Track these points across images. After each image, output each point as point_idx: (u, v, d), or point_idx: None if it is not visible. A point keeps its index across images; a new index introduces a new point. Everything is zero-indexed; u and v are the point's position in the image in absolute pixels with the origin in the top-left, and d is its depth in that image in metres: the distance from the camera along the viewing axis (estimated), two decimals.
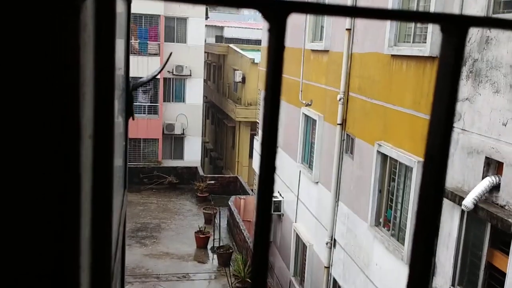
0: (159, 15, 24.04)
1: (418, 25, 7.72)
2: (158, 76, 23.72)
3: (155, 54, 23.98)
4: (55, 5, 0.40)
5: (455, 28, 0.45)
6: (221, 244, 16.21)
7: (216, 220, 17.33)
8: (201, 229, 16.89)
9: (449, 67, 0.45)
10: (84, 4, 0.45)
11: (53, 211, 0.47)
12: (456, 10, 6.47)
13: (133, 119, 1.72)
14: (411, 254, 0.50)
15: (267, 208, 0.45)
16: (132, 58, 23.36)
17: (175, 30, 24.89)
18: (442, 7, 6.83)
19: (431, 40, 6.97)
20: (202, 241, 16.63)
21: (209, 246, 16.67)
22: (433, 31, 6.97)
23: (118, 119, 1.30)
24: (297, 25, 12.73)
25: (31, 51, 0.42)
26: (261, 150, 0.49)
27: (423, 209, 0.50)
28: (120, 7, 1.13)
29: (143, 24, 24.29)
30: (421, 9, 7.63)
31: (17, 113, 0.43)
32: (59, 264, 0.48)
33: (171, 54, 2.93)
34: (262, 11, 0.43)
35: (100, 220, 0.74)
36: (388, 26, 8.19)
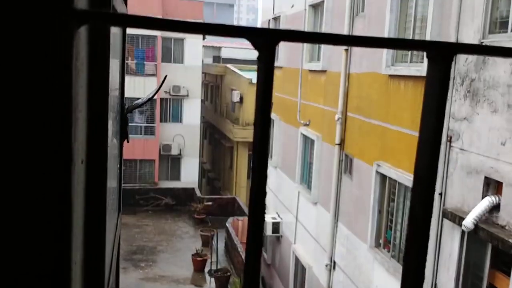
0: (156, 36, 24.29)
1: None
2: (155, 97, 23.82)
3: (152, 75, 24.12)
4: (48, 34, 0.40)
5: (440, 55, 0.45)
6: (218, 267, 16.01)
7: (213, 243, 17.16)
8: (198, 251, 16.70)
9: (435, 94, 0.45)
10: (77, 32, 0.45)
11: (43, 235, 0.46)
12: (452, 30, 6.55)
13: (127, 141, 1.72)
14: (402, 276, 0.50)
15: (259, 228, 0.44)
16: (129, 79, 23.51)
17: (172, 50, 25.12)
18: (439, 27, 6.92)
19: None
20: (199, 264, 16.43)
21: (206, 269, 16.46)
22: None
23: (113, 142, 1.30)
24: (295, 45, 12.86)
25: (24, 78, 0.42)
26: (252, 176, 0.48)
27: (413, 229, 0.49)
28: (114, 29, 1.14)
29: (140, 45, 24.51)
30: (417, 29, 7.73)
31: (8, 138, 0.42)
32: None
33: (165, 77, 2.94)
34: (251, 40, 0.43)
35: (92, 245, 0.73)
36: None
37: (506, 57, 0.51)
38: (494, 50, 0.48)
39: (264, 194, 0.45)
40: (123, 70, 1.70)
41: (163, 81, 2.48)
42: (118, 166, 1.62)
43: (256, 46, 0.45)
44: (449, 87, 0.47)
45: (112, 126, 1.23)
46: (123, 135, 1.65)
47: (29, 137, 0.43)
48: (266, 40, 0.44)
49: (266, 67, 0.45)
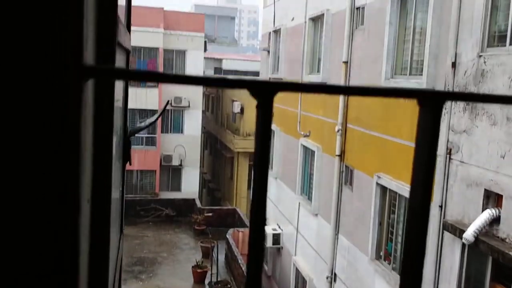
0: (158, 48, 24.43)
1: (414, 57, 7.86)
2: (157, 108, 23.88)
3: (154, 86, 24.22)
4: (59, 89, 0.43)
5: (430, 102, 0.47)
6: (219, 279, 15.93)
7: (213, 254, 17.09)
8: (198, 263, 16.63)
9: (427, 140, 0.47)
10: (86, 85, 0.48)
11: (49, 275, 0.48)
12: (451, 43, 6.60)
13: (130, 164, 1.74)
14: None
15: (260, 238, 0.46)
16: (131, 90, 23.51)
17: (174, 62, 25.25)
18: (437, 40, 6.97)
19: (428, 72, 7.08)
20: (199, 276, 16.34)
21: (206, 281, 16.37)
22: (429, 64, 7.08)
23: (116, 165, 1.32)
24: (295, 57, 12.95)
25: (37, 131, 0.44)
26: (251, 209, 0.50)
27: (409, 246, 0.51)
28: (119, 59, 1.17)
29: (142, 56, 24.66)
30: (416, 42, 7.78)
31: (19, 182, 0.44)
32: None
33: (168, 101, 2.99)
34: (251, 90, 0.46)
35: (95, 274, 0.75)
36: (384, 59, 8.33)
37: (498, 103, 0.53)
38: (485, 97, 0.51)
39: (264, 207, 0.47)
40: (127, 92, 1.73)
41: (165, 106, 2.52)
42: (121, 189, 1.64)
43: (255, 96, 0.47)
44: (439, 133, 0.49)
45: (115, 151, 1.25)
46: (126, 158, 1.67)
47: (40, 182, 0.45)
48: (264, 91, 0.47)
49: (264, 116, 0.47)
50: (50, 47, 0.43)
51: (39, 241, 0.46)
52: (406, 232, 0.51)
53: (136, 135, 26.15)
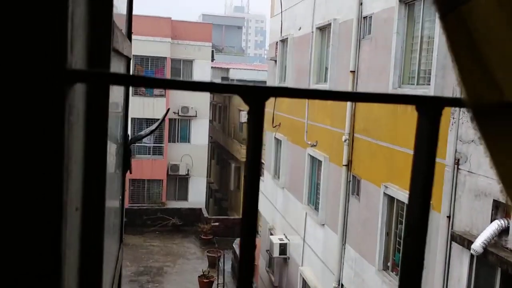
0: (166, 58, 24.59)
1: (422, 67, 7.83)
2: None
3: (161, 96, 24.35)
4: (41, 94, 0.42)
5: (428, 108, 0.46)
6: None
7: (220, 264, 17.02)
8: (204, 273, 16.56)
9: (424, 147, 0.46)
10: (72, 89, 0.47)
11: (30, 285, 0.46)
12: None
13: (130, 172, 1.73)
14: None
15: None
16: (139, 99, 23.75)
17: (181, 71, 25.38)
18: (445, 49, 6.94)
19: (435, 81, 7.04)
20: (205, 285, 16.27)
21: None
22: (436, 74, 7.05)
23: (115, 174, 1.31)
24: (302, 66, 12.96)
25: (17, 136, 0.43)
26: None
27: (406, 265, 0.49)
28: (116, 65, 1.17)
29: (149, 66, 24.82)
30: (424, 51, 7.75)
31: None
32: None
33: (168, 109, 3.00)
34: (243, 96, 0.45)
35: (87, 284, 0.73)
36: (392, 68, 8.31)
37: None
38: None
39: (255, 215, 0.46)
40: (127, 99, 1.72)
41: (165, 114, 2.53)
42: (120, 198, 1.63)
43: (247, 102, 0.46)
44: (438, 139, 0.48)
45: (114, 159, 1.24)
46: (126, 166, 1.66)
47: (20, 191, 0.44)
48: (256, 96, 0.46)
49: (255, 121, 0.46)
50: (31, 50, 0.42)
51: (19, 250, 0.45)
52: (404, 240, 0.49)
53: (143, 144, 26.24)
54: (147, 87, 0.43)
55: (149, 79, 0.43)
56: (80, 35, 0.56)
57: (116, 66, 1.15)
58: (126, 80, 0.41)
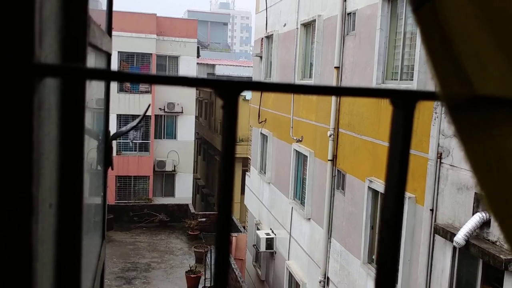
0: (151, 54, 24.40)
1: (405, 62, 7.90)
2: (150, 114, 23.83)
3: (147, 92, 24.17)
4: (6, 89, 0.41)
5: (403, 102, 0.46)
6: (212, 284, 15.86)
7: (207, 259, 17.02)
8: (192, 268, 16.55)
9: (400, 139, 0.46)
10: (41, 83, 0.46)
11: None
12: None
13: (111, 169, 1.72)
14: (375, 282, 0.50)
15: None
16: (124, 96, 23.55)
17: (166, 68, 25.21)
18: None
19: (418, 77, 7.11)
20: (193, 281, 16.27)
21: (200, 286, 16.29)
22: (419, 69, 7.12)
23: (96, 171, 1.29)
24: (287, 62, 12.97)
25: None
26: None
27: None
28: (95, 61, 1.15)
29: (135, 63, 24.60)
30: (407, 47, 7.82)
31: None
32: None
33: (149, 105, 2.98)
34: (216, 90, 0.45)
35: (64, 282, 0.72)
36: (375, 64, 8.36)
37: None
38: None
39: (230, 210, 0.46)
40: (108, 94, 1.71)
41: (146, 109, 2.51)
42: (102, 194, 1.61)
43: (220, 96, 0.46)
44: (412, 131, 0.48)
45: (95, 155, 1.23)
46: (108, 162, 1.64)
47: None
48: (228, 90, 0.45)
49: (229, 114, 0.46)
50: None
51: None
52: (380, 232, 0.50)
53: (129, 141, 26.02)
54: (120, 81, 0.43)
55: (122, 74, 0.43)
56: (50, 29, 0.55)
57: (95, 62, 1.14)
58: (97, 75, 0.41)
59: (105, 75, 0.41)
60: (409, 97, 0.47)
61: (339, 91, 0.48)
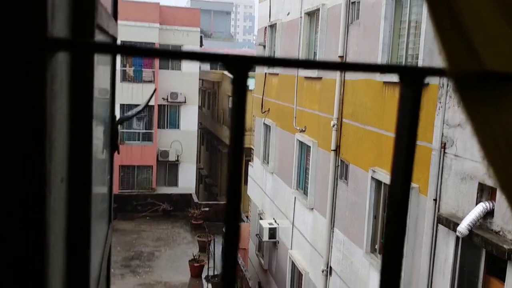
0: (154, 43, 24.33)
1: (409, 51, 7.86)
2: (153, 103, 23.84)
3: (150, 81, 24.16)
4: (21, 62, 0.42)
5: (411, 78, 0.46)
6: (216, 273, 15.98)
7: (210, 248, 17.13)
8: (195, 257, 16.67)
9: (407, 117, 0.46)
10: (53, 58, 0.47)
11: (14, 262, 0.46)
12: None
13: (118, 153, 1.73)
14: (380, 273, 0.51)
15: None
16: (128, 85, 23.53)
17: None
18: (432, 35, 6.95)
19: (423, 66, 7.06)
20: (196, 269, 16.39)
21: (203, 275, 16.42)
22: (424, 58, 7.08)
23: (103, 154, 1.30)
24: (291, 52, 12.92)
25: None
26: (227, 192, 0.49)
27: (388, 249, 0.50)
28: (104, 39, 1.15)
29: None
30: (411, 36, 7.77)
31: None
32: None
33: (155, 90, 2.99)
34: (226, 65, 0.45)
35: (75, 271, 0.73)
36: (380, 52, 8.32)
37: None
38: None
39: (239, 194, 0.46)
40: (114, 80, 1.71)
41: (152, 94, 2.52)
42: (109, 176, 1.63)
43: (230, 70, 0.47)
44: (420, 108, 0.48)
45: (102, 139, 1.24)
46: (114, 146, 1.66)
47: (2, 157, 0.44)
48: (239, 65, 0.46)
49: (239, 89, 0.46)
50: (9, 17, 0.42)
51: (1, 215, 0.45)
52: (387, 218, 0.50)
53: (132, 131, 26.02)
54: (130, 55, 0.43)
55: (132, 48, 0.43)
56: (61, 6, 0.56)
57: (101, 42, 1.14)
58: (107, 49, 0.41)
59: (114, 49, 0.42)
60: (417, 73, 0.47)
61: (347, 67, 0.48)
